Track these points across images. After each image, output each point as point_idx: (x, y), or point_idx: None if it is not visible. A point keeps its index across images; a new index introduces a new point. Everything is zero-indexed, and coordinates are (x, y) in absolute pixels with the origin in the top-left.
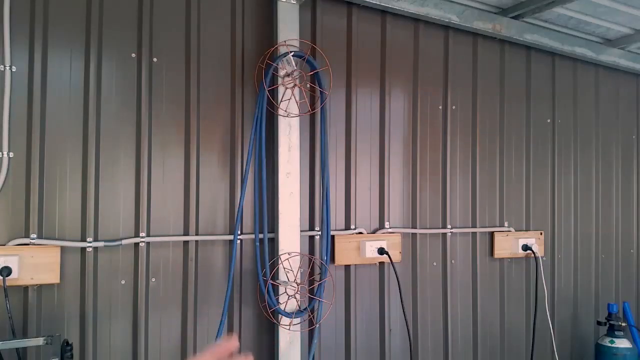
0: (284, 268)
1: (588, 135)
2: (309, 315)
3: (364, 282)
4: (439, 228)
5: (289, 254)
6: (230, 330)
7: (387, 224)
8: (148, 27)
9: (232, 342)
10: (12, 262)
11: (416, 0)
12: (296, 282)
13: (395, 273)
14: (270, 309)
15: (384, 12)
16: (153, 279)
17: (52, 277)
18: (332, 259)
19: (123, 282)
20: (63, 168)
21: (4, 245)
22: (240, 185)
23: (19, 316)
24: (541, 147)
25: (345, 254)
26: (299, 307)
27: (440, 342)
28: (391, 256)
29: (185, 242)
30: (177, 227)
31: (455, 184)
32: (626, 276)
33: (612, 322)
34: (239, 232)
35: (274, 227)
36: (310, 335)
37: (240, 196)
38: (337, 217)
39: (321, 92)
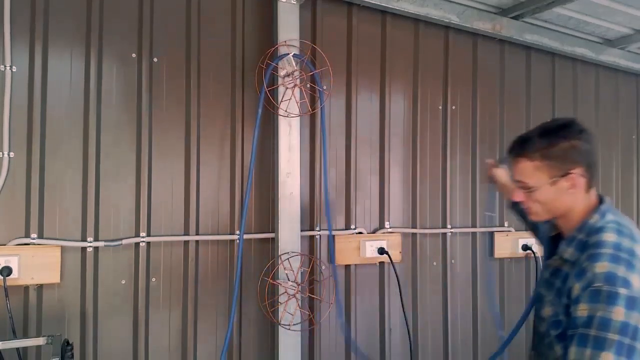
0: (284, 268)
1: None
2: (309, 315)
3: (364, 282)
4: (439, 228)
5: (288, 254)
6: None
7: (387, 224)
8: (148, 27)
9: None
10: (12, 262)
11: (416, 0)
12: (296, 282)
13: (395, 273)
14: (270, 309)
15: (384, 12)
16: (153, 279)
17: (52, 276)
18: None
19: (123, 281)
20: (63, 168)
21: (5, 245)
22: (241, 185)
23: (20, 316)
24: None
25: (345, 253)
26: (299, 307)
27: (440, 342)
28: (391, 256)
29: (185, 242)
30: (177, 227)
31: (455, 183)
32: None
33: None
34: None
35: (274, 227)
36: (310, 335)
37: (245, 196)
38: (337, 217)
39: (321, 92)
